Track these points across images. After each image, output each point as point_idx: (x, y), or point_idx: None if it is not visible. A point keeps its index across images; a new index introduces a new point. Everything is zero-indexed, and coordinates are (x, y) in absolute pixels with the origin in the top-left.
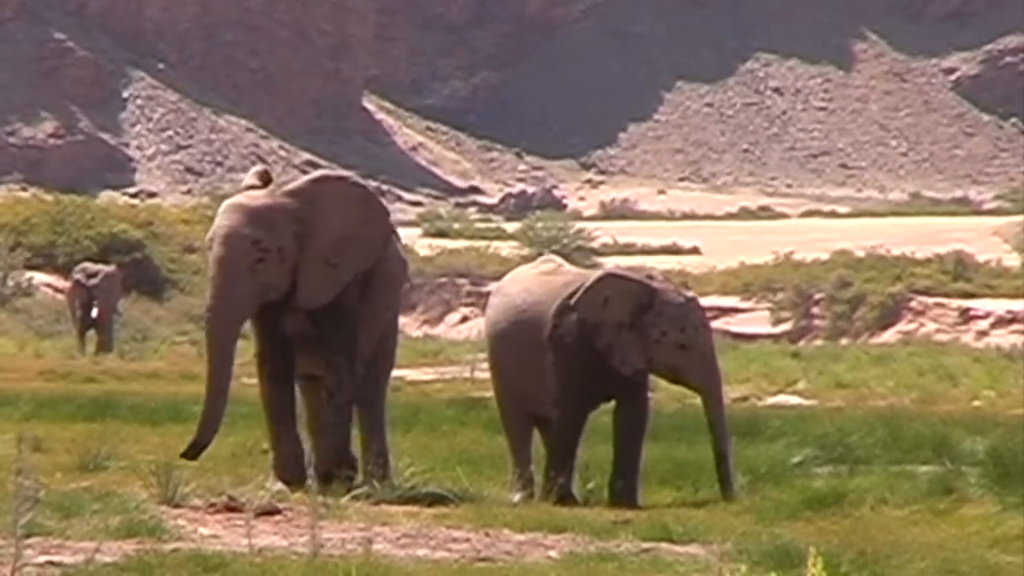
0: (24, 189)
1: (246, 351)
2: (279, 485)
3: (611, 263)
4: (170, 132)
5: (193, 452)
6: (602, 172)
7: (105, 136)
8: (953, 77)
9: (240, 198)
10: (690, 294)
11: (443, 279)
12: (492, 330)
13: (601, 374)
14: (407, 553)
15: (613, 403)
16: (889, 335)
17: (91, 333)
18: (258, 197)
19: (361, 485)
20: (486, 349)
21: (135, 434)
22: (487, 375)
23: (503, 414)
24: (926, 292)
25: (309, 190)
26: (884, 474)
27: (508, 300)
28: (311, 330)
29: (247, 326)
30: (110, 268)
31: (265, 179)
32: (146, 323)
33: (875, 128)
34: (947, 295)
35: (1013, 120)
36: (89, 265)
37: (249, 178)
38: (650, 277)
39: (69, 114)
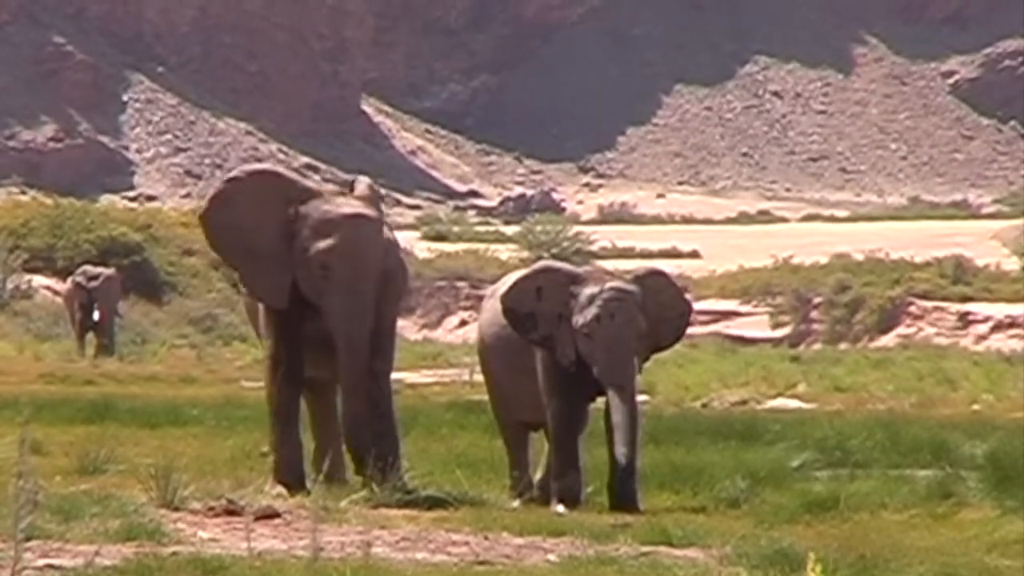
0: (23, 192)
1: (244, 354)
2: (278, 488)
3: (610, 267)
4: (169, 135)
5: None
6: (601, 175)
7: (104, 139)
8: (952, 80)
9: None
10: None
11: (442, 282)
12: (483, 335)
13: (584, 365)
14: (406, 556)
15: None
16: (888, 339)
17: (90, 336)
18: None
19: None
20: (478, 354)
21: (134, 437)
22: None
23: (497, 418)
24: (925, 296)
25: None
26: (883, 478)
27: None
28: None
29: (249, 330)
30: (110, 271)
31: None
32: (145, 326)
33: (874, 132)
34: (946, 299)
35: (1012, 123)
36: (89, 268)
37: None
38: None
39: (68, 117)
